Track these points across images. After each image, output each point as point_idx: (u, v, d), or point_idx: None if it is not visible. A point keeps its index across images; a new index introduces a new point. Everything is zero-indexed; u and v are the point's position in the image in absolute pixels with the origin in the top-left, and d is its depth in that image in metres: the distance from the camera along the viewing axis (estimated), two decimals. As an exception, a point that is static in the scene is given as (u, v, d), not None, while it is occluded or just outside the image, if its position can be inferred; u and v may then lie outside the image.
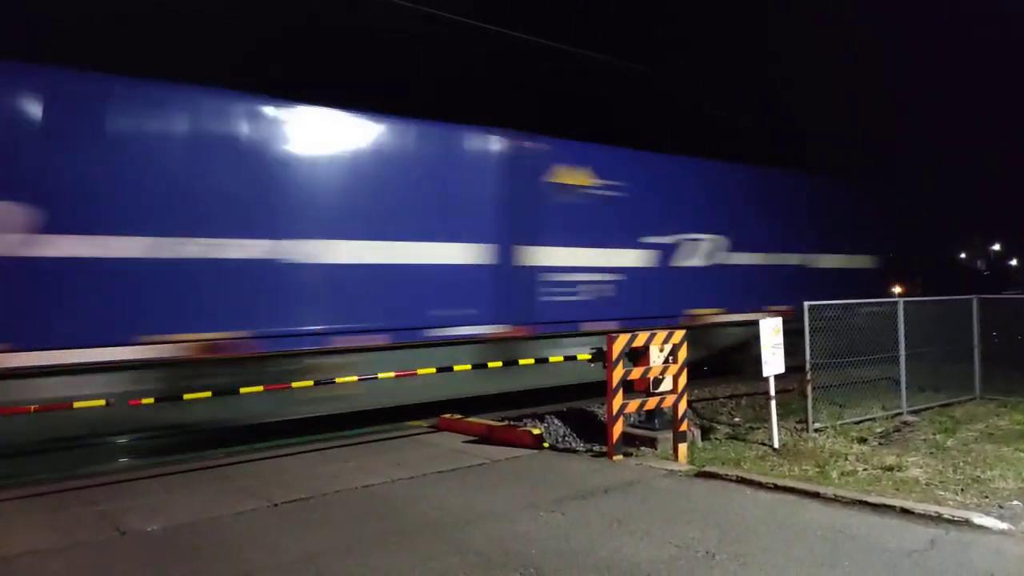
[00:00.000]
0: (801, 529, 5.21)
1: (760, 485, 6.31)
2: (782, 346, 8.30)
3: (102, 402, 7.81)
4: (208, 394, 7.66)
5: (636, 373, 7.53)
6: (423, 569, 4.64)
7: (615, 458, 7.32)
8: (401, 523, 5.57)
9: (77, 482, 7.21)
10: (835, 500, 5.83)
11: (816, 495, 5.96)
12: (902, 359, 10.20)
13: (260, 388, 7.84)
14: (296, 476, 7.11)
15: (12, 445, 8.28)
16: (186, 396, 7.70)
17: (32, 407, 8.01)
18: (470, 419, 9.54)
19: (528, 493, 6.26)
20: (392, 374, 8.87)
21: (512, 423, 9.44)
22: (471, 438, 8.71)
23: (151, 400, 7.73)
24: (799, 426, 9.18)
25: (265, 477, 7.14)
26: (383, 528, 5.46)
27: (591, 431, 9.94)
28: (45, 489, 6.98)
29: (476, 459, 7.62)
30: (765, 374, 8.26)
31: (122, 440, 9.73)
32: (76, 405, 7.70)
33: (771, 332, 8.25)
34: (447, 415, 9.96)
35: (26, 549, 5.21)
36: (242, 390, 7.81)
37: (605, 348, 7.48)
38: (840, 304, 9.68)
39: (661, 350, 7.69)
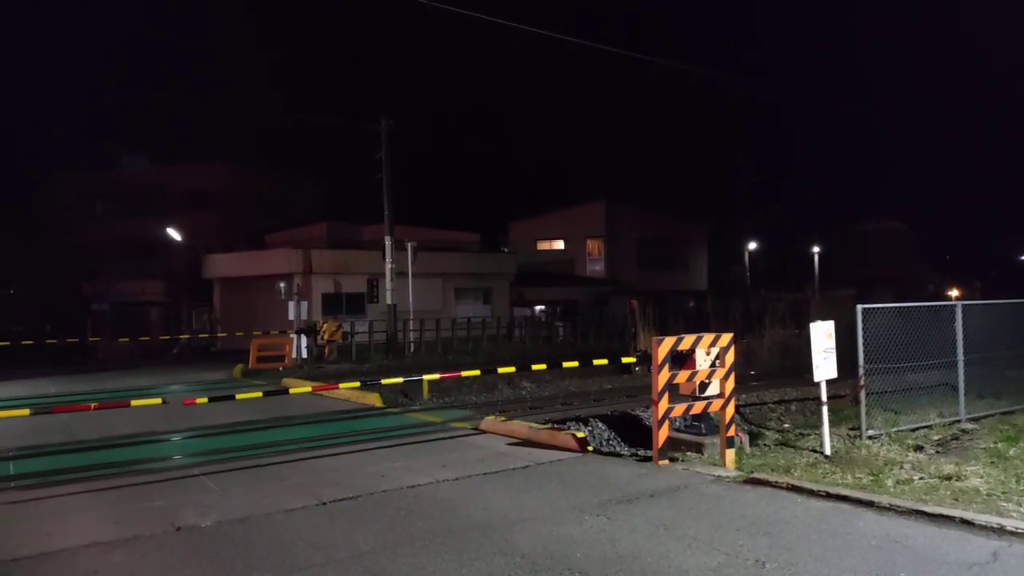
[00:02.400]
0: (854, 538, 5.08)
1: (811, 493, 6.17)
2: (834, 350, 8.10)
3: (158, 400, 8.07)
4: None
5: (682, 377, 7.44)
6: (469, 569, 4.67)
7: (661, 463, 7.25)
8: (447, 523, 5.62)
9: (135, 478, 7.47)
10: (890, 509, 5.67)
11: (870, 504, 5.80)
12: (960, 364, 9.85)
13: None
14: (344, 476, 7.23)
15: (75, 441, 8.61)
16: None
17: (93, 405, 8.35)
18: (514, 421, 9.56)
19: (573, 496, 6.25)
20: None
21: (556, 426, 9.42)
22: (515, 440, 8.72)
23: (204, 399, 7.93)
24: (852, 433, 8.94)
25: (314, 476, 7.27)
26: (430, 528, 5.52)
27: (636, 435, 9.86)
28: (106, 484, 7.24)
29: (520, 461, 7.63)
30: (816, 379, 8.07)
31: (176, 438, 10.05)
32: (134, 403, 7.99)
33: (823, 336, 8.06)
34: (491, 417, 10.01)
35: (90, 541, 5.42)
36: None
37: (651, 351, 7.41)
38: (895, 307, 9.40)
39: (708, 353, 7.59)
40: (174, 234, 33.70)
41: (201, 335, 31.11)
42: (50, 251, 39.43)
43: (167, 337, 30.13)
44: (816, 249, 51.02)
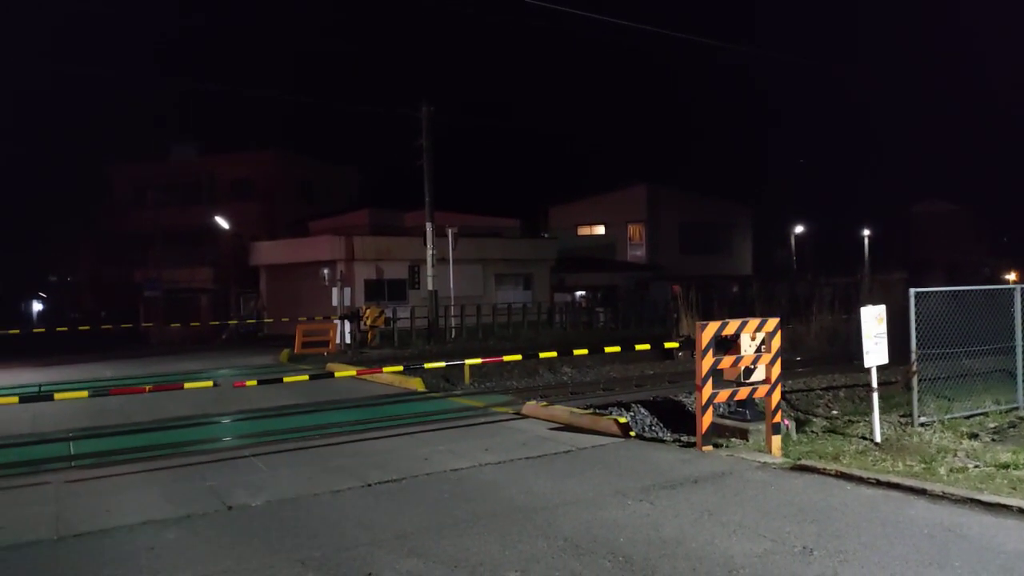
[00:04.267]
0: (906, 527, 4.96)
1: (861, 480, 6.04)
2: (885, 335, 7.89)
3: (210, 383, 8.30)
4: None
5: (727, 362, 7.34)
6: (512, 552, 4.71)
7: (704, 449, 7.17)
8: (490, 506, 5.66)
9: (188, 459, 7.71)
10: (943, 498, 5.51)
11: (923, 492, 5.65)
12: (1019, 350, 9.48)
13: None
14: (389, 458, 7.34)
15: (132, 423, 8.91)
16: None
17: (148, 387, 8.63)
18: (555, 406, 9.57)
19: (615, 481, 6.23)
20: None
21: (598, 411, 9.40)
22: (556, 425, 8.73)
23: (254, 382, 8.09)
24: (903, 420, 8.71)
25: (360, 458, 7.40)
26: (473, 510, 5.57)
27: (679, 421, 9.78)
28: (161, 464, 7.49)
29: (562, 446, 7.64)
30: (866, 364, 7.87)
31: (226, 420, 10.32)
32: (187, 386, 8.23)
33: (874, 321, 7.85)
34: (532, 402, 10.03)
35: (146, 519, 5.62)
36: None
37: (694, 336, 7.32)
38: (949, 291, 9.10)
39: (753, 339, 7.46)
40: (222, 222, 34.47)
41: (248, 321, 31.84)
42: (104, 240, 40.76)
43: (216, 323, 30.92)
44: (866, 232, 49.67)
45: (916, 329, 8.43)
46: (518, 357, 10.71)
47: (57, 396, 8.42)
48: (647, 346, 10.57)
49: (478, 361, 10.68)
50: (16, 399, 8.27)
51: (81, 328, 25.80)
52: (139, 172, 42.38)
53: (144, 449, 8.36)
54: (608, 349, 10.32)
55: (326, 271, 25.78)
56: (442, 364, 10.19)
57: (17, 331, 25.69)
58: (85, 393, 8.92)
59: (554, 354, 10.65)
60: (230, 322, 31.64)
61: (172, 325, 29.36)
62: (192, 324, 29.64)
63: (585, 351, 11.38)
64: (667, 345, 11.61)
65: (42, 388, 14.30)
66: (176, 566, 4.68)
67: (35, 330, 30.23)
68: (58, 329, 25.95)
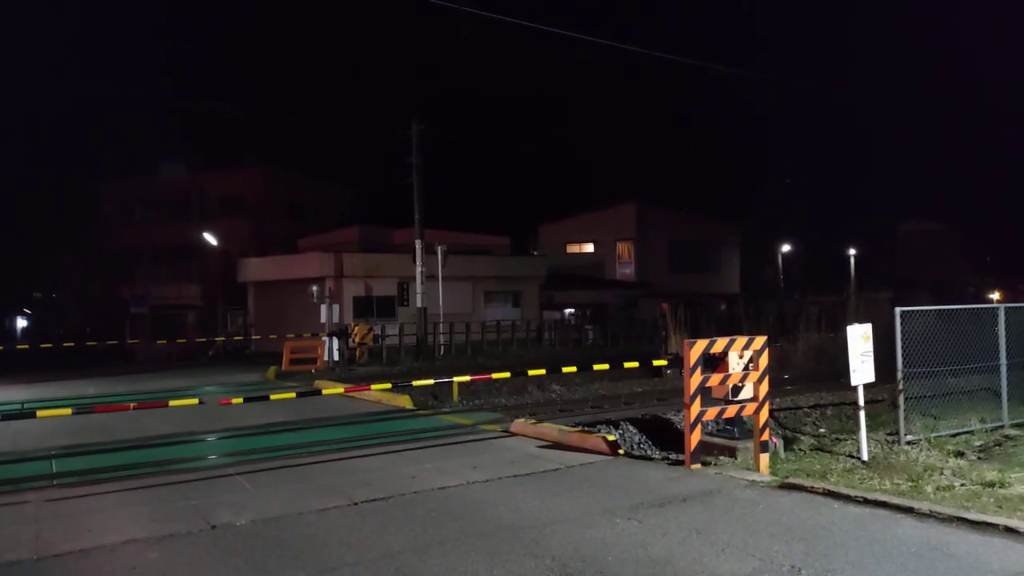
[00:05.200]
0: (893, 545, 4.96)
1: (848, 498, 6.04)
2: (871, 354, 7.93)
3: (195, 400, 8.22)
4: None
5: (715, 380, 7.35)
6: (500, 571, 4.67)
7: (693, 467, 7.16)
8: (478, 525, 5.62)
9: (172, 477, 7.61)
10: (930, 516, 5.52)
11: (910, 510, 5.66)
12: (1003, 368, 9.57)
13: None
14: (375, 476, 7.28)
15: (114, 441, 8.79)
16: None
17: (132, 405, 8.53)
18: (544, 424, 9.53)
19: (604, 499, 6.20)
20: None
21: (586, 429, 9.37)
22: (545, 443, 8.70)
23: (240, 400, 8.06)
24: (890, 438, 8.74)
25: (346, 477, 7.33)
26: (460, 529, 5.52)
27: (667, 439, 9.76)
28: (144, 483, 7.39)
29: (551, 464, 7.61)
30: (853, 383, 7.91)
31: (211, 438, 10.21)
32: (172, 403, 8.14)
33: (860, 339, 7.91)
34: (521, 420, 10.00)
35: (127, 538, 5.53)
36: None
37: (682, 354, 7.34)
38: (935, 310, 9.18)
39: (741, 357, 7.48)
40: (210, 239, 34.32)
41: (236, 338, 31.62)
42: (90, 256, 40.46)
43: (203, 340, 30.68)
44: (852, 251, 50.11)
45: (902, 348, 8.50)
46: (507, 375, 10.69)
47: (40, 413, 8.28)
48: (636, 364, 10.59)
49: (467, 379, 10.65)
50: (-4, 417, 8.15)
51: (66, 345, 25.51)
52: (127, 188, 42.21)
53: (127, 467, 8.25)
54: (597, 367, 10.33)
55: (315, 288, 25.70)
56: (431, 382, 10.14)
57: (0, 347, 25.38)
58: (68, 411, 8.81)
59: (543, 371, 10.65)
60: (217, 339, 31.40)
61: (158, 342, 29.10)
62: (179, 341, 29.40)
63: (574, 369, 11.38)
64: (655, 363, 11.64)
65: (24, 405, 14.11)
66: (158, 587, 4.60)
67: (19, 347, 29.85)
68: (42, 346, 25.63)
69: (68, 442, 9.92)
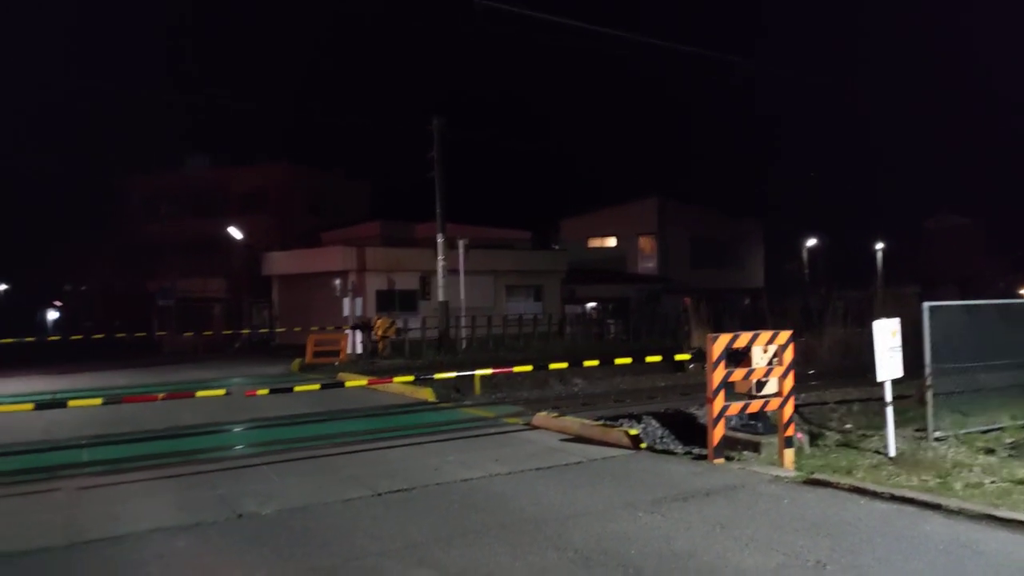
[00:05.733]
0: (920, 542, 4.89)
1: (875, 495, 5.97)
2: (899, 349, 7.81)
3: (222, 391, 8.35)
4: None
5: (738, 375, 7.29)
6: (523, 563, 4.68)
7: (716, 461, 7.12)
8: (500, 517, 5.64)
9: (199, 467, 7.73)
10: (959, 513, 5.44)
11: (938, 507, 5.58)
12: (1035, 365, 9.37)
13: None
14: (398, 468, 7.33)
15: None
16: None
17: (160, 395, 8.68)
18: (566, 418, 9.53)
19: (626, 493, 6.19)
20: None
21: (608, 423, 9.35)
22: (567, 436, 8.70)
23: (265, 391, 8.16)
24: (918, 434, 8.61)
25: (369, 468, 7.40)
26: (483, 521, 5.55)
27: (690, 433, 9.70)
28: (172, 472, 7.52)
29: (573, 457, 7.61)
30: (880, 378, 7.80)
31: (237, 429, 10.35)
32: (199, 394, 8.27)
33: (888, 334, 7.79)
34: (543, 413, 10.00)
35: (156, 526, 5.63)
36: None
37: (705, 349, 7.28)
38: (963, 305, 9.02)
39: (765, 351, 7.41)
40: (235, 233, 34.71)
41: (261, 330, 31.99)
42: (118, 250, 41.15)
43: (229, 332, 31.08)
44: (879, 245, 49.35)
45: (930, 343, 8.36)
46: (529, 368, 10.69)
47: (71, 403, 8.48)
48: (658, 358, 10.54)
49: (489, 371, 10.67)
50: (32, 406, 8.34)
51: (95, 337, 26.00)
52: (153, 183, 42.83)
53: (156, 457, 8.40)
54: (618, 361, 10.29)
55: (337, 281, 25.89)
56: (453, 374, 10.19)
57: (32, 339, 25.92)
58: (99, 400, 8.98)
59: (564, 365, 10.64)
60: (242, 331, 31.80)
61: (185, 334, 29.55)
62: (205, 333, 29.82)
63: (596, 362, 11.35)
64: (678, 358, 11.58)
65: (56, 396, 14.41)
66: (185, 574, 4.68)
67: (50, 339, 30.48)
68: (72, 338, 26.17)
69: (99, 432, 10.12)
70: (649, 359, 10.37)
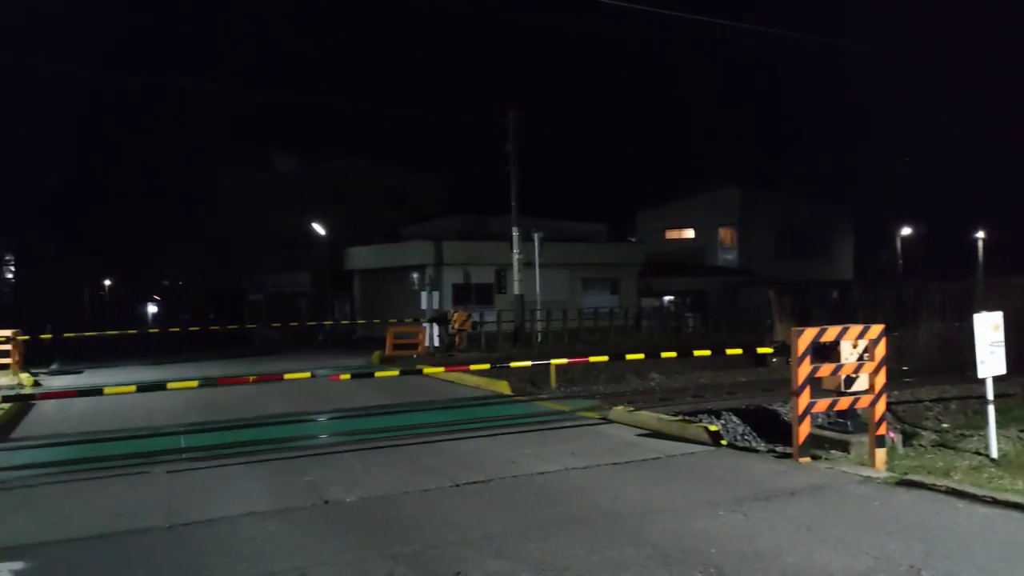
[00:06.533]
0: (1028, 551, 4.59)
1: (975, 498, 5.63)
2: (1002, 344, 7.34)
3: (307, 374, 8.77)
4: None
5: (825, 370, 7.01)
6: (600, 557, 4.66)
7: (801, 460, 6.88)
8: (576, 511, 5.63)
9: (288, 454, 8.06)
10: (1072, 521, 5.07)
11: (1047, 514, 5.22)
12: None
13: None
14: (475, 460, 7.43)
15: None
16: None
17: (251, 377, 9.21)
18: (643, 412, 9.42)
19: (706, 490, 6.07)
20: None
21: (687, 418, 9.19)
22: (644, 431, 8.59)
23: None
24: (1023, 435, 8.08)
25: (447, 459, 7.53)
26: (559, 514, 5.56)
27: (773, 431, 9.43)
28: (262, 458, 7.87)
29: (650, 453, 7.52)
30: (981, 375, 7.35)
31: (322, 418, 10.73)
32: (287, 376, 8.67)
33: (989, 328, 7.33)
34: (619, 407, 9.92)
35: (248, 510, 5.91)
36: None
37: (790, 342, 7.04)
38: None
39: (854, 346, 7.10)
40: (318, 229, 35.92)
41: (343, 323, 33.01)
42: (212, 246, 43.36)
43: (313, 324, 32.21)
44: (980, 233, 46.34)
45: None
46: (605, 358, 10.62)
47: (169, 386, 9.23)
48: (739, 351, 10.26)
49: (564, 361, 10.66)
50: (134, 388, 8.93)
51: (191, 329, 27.47)
52: (244, 182, 44.81)
53: (248, 444, 8.80)
54: (697, 352, 10.08)
55: (415, 275, 26.38)
56: (528, 363, 10.22)
57: (135, 332, 27.64)
58: (195, 383, 9.58)
59: (641, 356, 10.48)
60: (326, 324, 32.90)
61: (273, 326, 30.83)
62: (291, 325, 31.01)
63: (673, 354, 11.15)
64: (760, 350, 11.21)
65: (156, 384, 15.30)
66: (276, 557, 4.89)
67: (150, 331, 32.40)
68: (170, 330, 27.73)
69: (195, 419, 10.69)
70: (729, 351, 10.11)
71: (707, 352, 10.30)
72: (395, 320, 24.80)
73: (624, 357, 10.12)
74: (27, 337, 18.23)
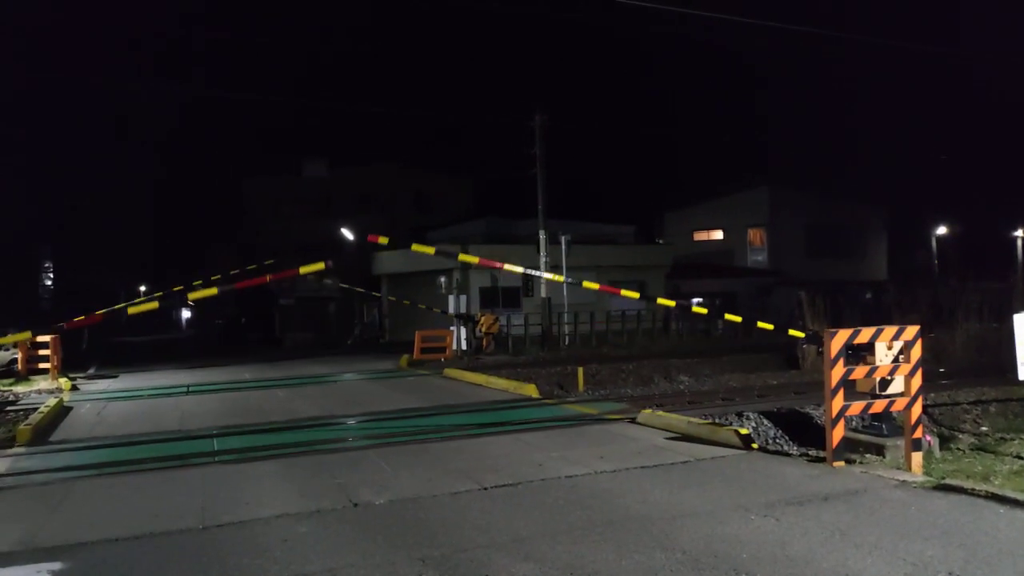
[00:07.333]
0: (1073, 558, 4.45)
1: (1017, 503, 5.48)
2: (1044, 345, 7.14)
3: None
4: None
5: (859, 372, 6.88)
6: (629, 561, 4.63)
7: (835, 464, 6.75)
8: (605, 514, 5.60)
9: (318, 457, 8.14)
10: (1119, 528, 4.90)
11: (1093, 520, 5.06)
12: None
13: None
14: (503, 463, 7.42)
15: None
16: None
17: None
18: (671, 415, 9.33)
19: (737, 495, 5.99)
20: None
21: (717, 421, 9.09)
22: (673, 435, 8.51)
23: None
24: (1067, 439, 7.85)
25: (475, 462, 7.53)
26: (588, 518, 5.53)
27: (805, 434, 9.29)
28: (293, 461, 7.95)
29: (680, 456, 7.44)
30: (1021, 377, 7.17)
31: (351, 422, 10.81)
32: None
33: (1029, 329, 7.14)
34: (647, 410, 9.85)
35: (280, 512, 5.97)
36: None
37: (823, 345, 6.92)
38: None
39: (889, 348, 6.96)
40: (347, 233, 36.27)
41: (371, 327, 33.27)
42: (243, 251, 44.01)
43: (342, 328, 32.51)
44: (1020, 232, 45.15)
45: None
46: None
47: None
48: (770, 326, 10.03)
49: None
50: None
51: (226, 334, 27.88)
52: (273, 187, 45.46)
53: (279, 447, 8.90)
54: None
55: (443, 279, 26.49)
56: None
57: (171, 337, 28.16)
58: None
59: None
60: (354, 328, 33.18)
61: (303, 331, 31.19)
62: (321, 330, 31.33)
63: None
64: (792, 332, 10.83)
65: (190, 388, 15.58)
66: (307, 558, 4.94)
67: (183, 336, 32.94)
68: (204, 334, 28.19)
69: (227, 423, 10.85)
70: (760, 324, 9.90)
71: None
72: (424, 323, 24.90)
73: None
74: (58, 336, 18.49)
